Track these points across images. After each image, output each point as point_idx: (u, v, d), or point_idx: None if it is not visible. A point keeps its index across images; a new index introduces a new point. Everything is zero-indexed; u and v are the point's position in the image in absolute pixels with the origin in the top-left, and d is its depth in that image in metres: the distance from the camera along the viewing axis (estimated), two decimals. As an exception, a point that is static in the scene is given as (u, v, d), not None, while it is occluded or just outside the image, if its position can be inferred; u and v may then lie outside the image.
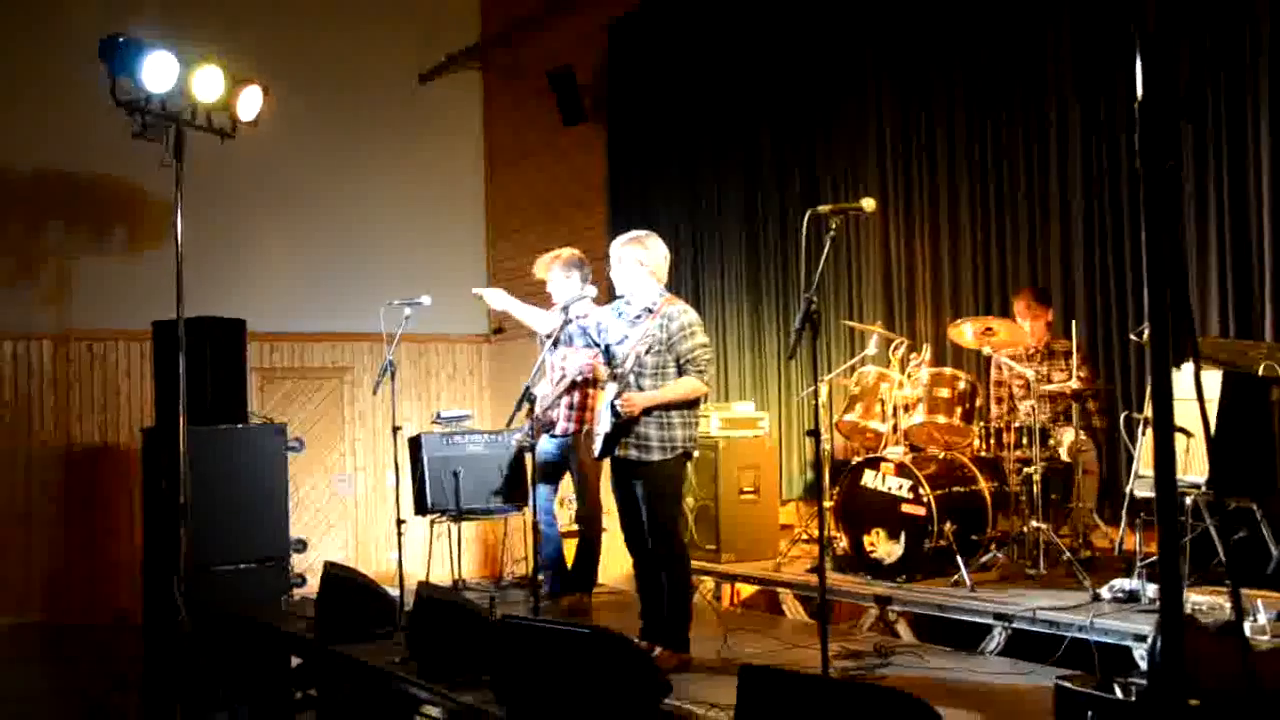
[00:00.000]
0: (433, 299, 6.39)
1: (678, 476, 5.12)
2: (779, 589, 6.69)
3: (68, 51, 7.78)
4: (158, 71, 6.30)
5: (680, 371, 4.98)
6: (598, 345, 5.38)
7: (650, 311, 5.06)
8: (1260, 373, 4.71)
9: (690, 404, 5.03)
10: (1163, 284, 2.53)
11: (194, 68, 6.53)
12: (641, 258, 5.10)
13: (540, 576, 6.65)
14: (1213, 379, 4.68)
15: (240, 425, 7.40)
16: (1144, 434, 5.16)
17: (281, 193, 10.26)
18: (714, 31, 8.88)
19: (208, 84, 6.59)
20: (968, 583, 5.61)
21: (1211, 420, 4.48)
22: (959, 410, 6.16)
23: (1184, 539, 5.06)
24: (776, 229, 8.49)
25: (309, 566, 7.38)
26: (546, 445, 6.35)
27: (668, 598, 5.09)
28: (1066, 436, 6.07)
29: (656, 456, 4.96)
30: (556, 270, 6.21)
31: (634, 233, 5.22)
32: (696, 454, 5.31)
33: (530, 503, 6.17)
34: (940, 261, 7.40)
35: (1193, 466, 4.75)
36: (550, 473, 6.50)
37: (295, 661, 6.31)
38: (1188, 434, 4.54)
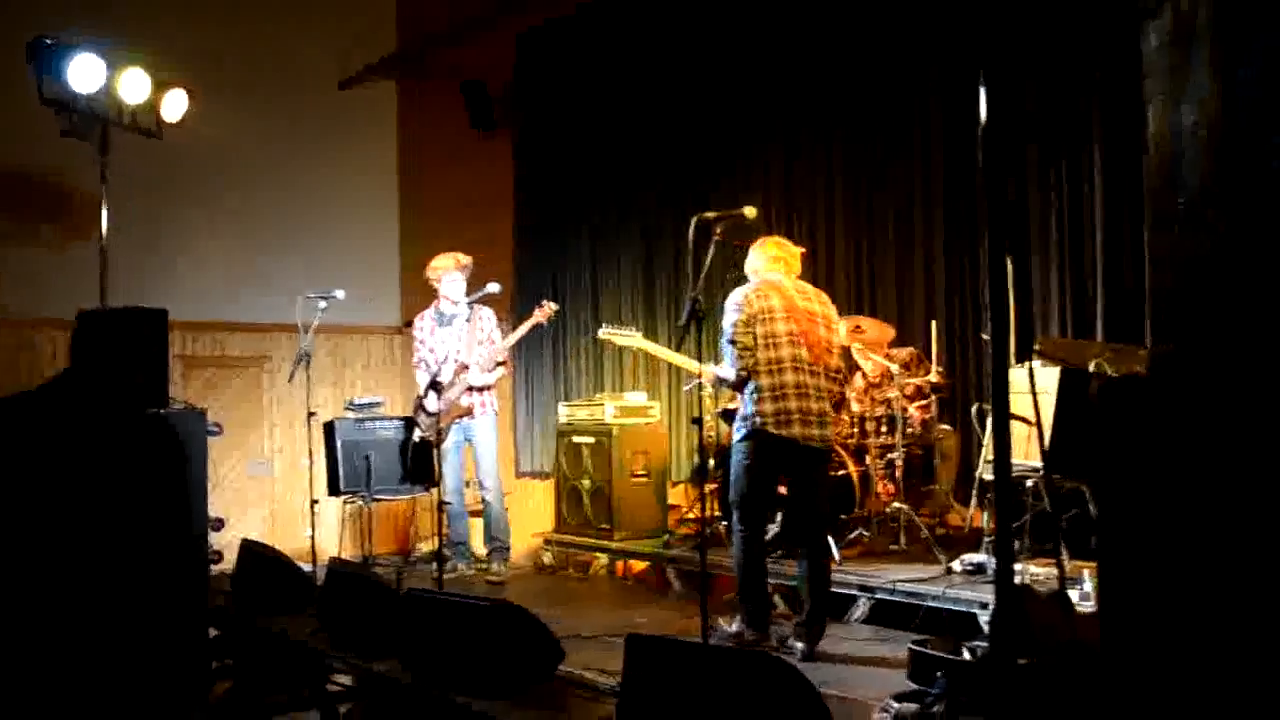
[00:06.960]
0: (348, 294, 6.34)
1: (741, 451, 4.99)
2: (666, 564, 6.76)
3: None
4: (84, 73, 6.12)
5: None
6: None
7: None
8: (1091, 369, 4.89)
9: (741, 384, 4.98)
10: (1002, 292, 2.68)
11: (120, 70, 6.35)
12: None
13: (447, 551, 6.72)
14: (1051, 375, 4.86)
15: (161, 410, 7.18)
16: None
17: (207, 190, 9.96)
18: (615, 48, 8.88)
19: (133, 86, 6.43)
20: (836, 557, 5.73)
21: (1050, 412, 4.66)
22: (831, 401, 6.26)
23: (1025, 517, 5.26)
24: (671, 230, 8.52)
25: (226, 544, 7.21)
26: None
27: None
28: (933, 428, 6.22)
29: (736, 436, 5.03)
30: (456, 273, 6.91)
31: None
32: (770, 431, 4.91)
33: (441, 483, 6.32)
34: (817, 266, 7.52)
35: (1034, 453, 4.91)
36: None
37: (213, 633, 6.18)
38: (1028, 423, 4.70)
